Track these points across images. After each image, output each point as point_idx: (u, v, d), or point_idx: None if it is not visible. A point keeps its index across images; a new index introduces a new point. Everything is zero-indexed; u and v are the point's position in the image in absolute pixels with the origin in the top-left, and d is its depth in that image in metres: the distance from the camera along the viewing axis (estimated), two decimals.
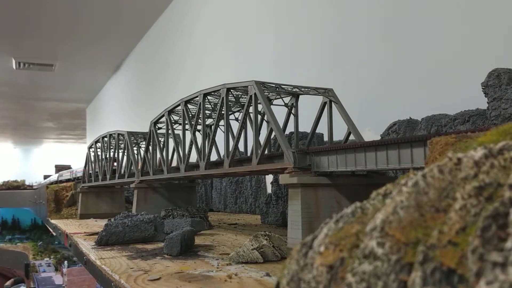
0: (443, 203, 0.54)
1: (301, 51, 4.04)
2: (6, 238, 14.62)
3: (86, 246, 2.34)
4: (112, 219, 2.53)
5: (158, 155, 3.37)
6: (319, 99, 2.44)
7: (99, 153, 4.53)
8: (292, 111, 2.53)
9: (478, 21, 2.42)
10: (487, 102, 1.87)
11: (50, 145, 23.77)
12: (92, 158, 4.75)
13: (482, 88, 1.91)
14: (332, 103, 2.37)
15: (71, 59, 9.93)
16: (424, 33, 2.77)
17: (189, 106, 2.93)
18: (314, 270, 0.57)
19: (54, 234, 4.47)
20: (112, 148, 4.17)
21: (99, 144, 4.54)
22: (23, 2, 7.06)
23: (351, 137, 2.33)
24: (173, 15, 7.28)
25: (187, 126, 2.95)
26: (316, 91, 2.37)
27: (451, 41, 2.58)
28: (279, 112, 2.32)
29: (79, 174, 5.32)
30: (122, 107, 10.65)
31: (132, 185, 3.60)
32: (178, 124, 3.22)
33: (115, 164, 3.99)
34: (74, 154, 21.00)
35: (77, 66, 10.54)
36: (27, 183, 13.23)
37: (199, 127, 2.99)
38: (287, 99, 2.54)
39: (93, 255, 2.02)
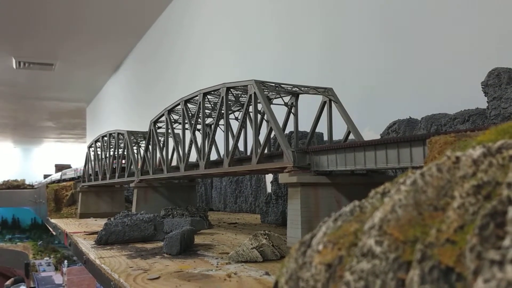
0: (442, 202, 0.54)
1: (301, 50, 4.04)
2: (6, 238, 14.63)
3: (86, 245, 2.34)
4: (112, 218, 2.53)
5: (158, 155, 3.37)
6: (318, 99, 2.44)
7: (99, 153, 4.53)
8: (292, 111, 2.53)
9: (478, 20, 2.42)
10: (487, 101, 1.87)
11: (50, 144, 23.78)
12: (92, 158, 4.75)
13: (482, 87, 1.91)
14: (332, 102, 2.37)
15: (71, 58, 9.93)
16: (424, 32, 2.77)
17: (189, 105, 2.93)
18: (312, 269, 0.57)
19: (54, 233, 4.47)
20: (112, 148, 4.17)
21: (99, 144, 4.54)
22: (23, 1, 7.06)
23: (351, 136, 2.33)
24: (173, 14, 7.28)
25: (187, 126, 2.95)
26: (316, 90, 2.37)
27: (451, 41, 2.58)
28: (279, 111, 2.32)
29: None
30: (122, 107, 10.65)
31: (132, 185, 3.60)
32: (178, 124, 3.22)
33: (124, 162, 3.92)
34: (74, 154, 21.00)
35: (77, 66, 10.54)
36: (27, 182, 13.23)
37: (199, 126, 2.99)
38: (286, 99, 2.53)
39: (93, 254, 2.02)
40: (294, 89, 2.37)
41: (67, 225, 3.83)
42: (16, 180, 12.99)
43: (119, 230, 2.38)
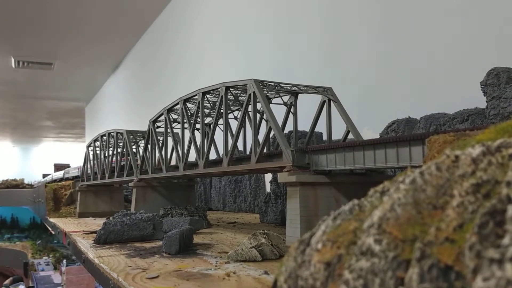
0: (441, 200, 0.54)
1: (300, 50, 4.04)
2: (5, 237, 14.61)
3: (85, 245, 2.34)
4: (111, 218, 2.53)
5: (157, 154, 3.37)
6: (318, 98, 2.44)
7: (98, 152, 4.53)
8: (291, 110, 2.53)
9: (478, 20, 2.42)
10: (486, 101, 1.87)
11: (49, 144, 23.76)
12: (91, 157, 4.75)
13: (481, 87, 1.91)
14: (331, 102, 2.37)
15: (70, 58, 9.92)
16: (423, 32, 2.77)
17: (188, 104, 2.93)
18: (311, 267, 0.57)
19: (53, 232, 4.47)
20: (111, 147, 4.17)
21: (98, 143, 4.54)
22: (23, 1, 7.05)
23: (350, 135, 2.33)
24: (172, 14, 7.28)
25: (186, 125, 2.95)
26: (315, 89, 2.37)
27: (450, 40, 2.58)
28: (278, 110, 2.32)
29: None
30: (121, 106, 10.65)
31: (131, 184, 3.60)
32: (177, 123, 3.22)
33: (125, 159, 3.84)
34: (73, 153, 20.99)
35: (76, 65, 10.54)
36: (26, 182, 13.22)
37: (198, 125, 2.98)
38: (286, 98, 2.53)
39: (92, 253, 2.02)
40: (293, 88, 2.37)
41: (66, 224, 3.82)
42: (15, 180, 12.98)
43: (118, 229, 2.38)
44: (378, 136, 2.52)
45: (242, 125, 2.48)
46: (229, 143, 2.44)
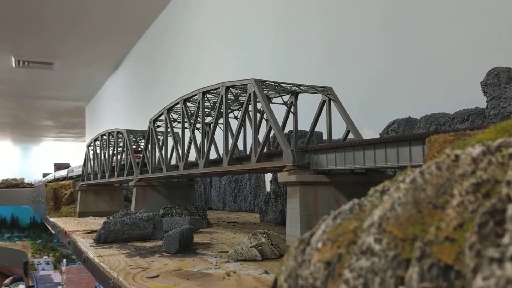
0: (441, 200, 0.54)
1: (300, 50, 4.04)
2: (5, 236, 14.62)
3: (85, 244, 2.34)
4: (111, 217, 2.53)
5: (157, 153, 3.37)
6: (318, 98, 2.44)
7: (98, 152, 4.53)
8: (291, 110, 2.53)
9: (478, 20, 2.42)
10: (486, 101, 1.88)
11: (49, 143, 23.77)
12: (91, 157, 4.75)
13: (481, 87, 1.91)
14: (331, 101, 2.37)
15: (71, 57, 9.92)
16: (423, 32, 2.77)
17: (188, 104, 2.93)
18: (311, 266, 0.57)
19: (53, 232, 4.47)
20: (111, 146, 4.17)
21: (98, 143, 4.54)
22: (23, 0, 7.05)
23: (350, 135, 2.33)
24: (173, 13, 7.28)
25: (186, 124, 2.95)
26: (315, 89, 2.37)
27: (451, 40, 2.58)
28: (278, 110, 2.32)
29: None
30: (121, 106, 10.65)
31: (131, 183, 3.60)
32: (177, 122, 3.22)
33: (136, 156, 3.63)
34: (73, 153, 21.00)
35: (77, 65, 10.54)
36: (26, 181, 13.23)
37: (198, 125, 2.98)
38: (286, 98, 2.53)
39: (92, 252, 2.02)
40: (293, 88, 2.37)
41: (66, 223, 3.82)
42: (15, 179, 12.98)
43: (118, 228, 2.38)
44: (378, 136, 2.52)
45: (242, 124, 2.48)
46: (229, 143, 2.44)
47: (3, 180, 12.82)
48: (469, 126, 1.94)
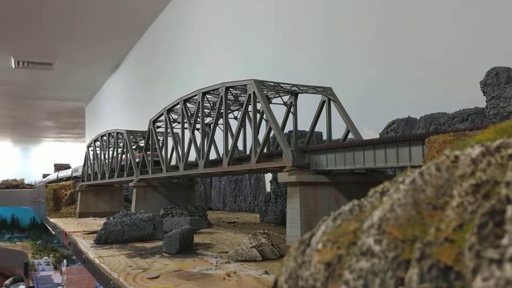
0: (440, 201, 0.54)
1: (300, 50, 4.04)
2: (5, 237, 14.62)
3: (85, 245, 2.34)
4: (111, 218, 2.53)
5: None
6: (318, 98, 2.44)
7: (98, 152, 4.53)
8: (291, 110, 2.53)
9: (477, 19, 2.42)
10: (486, 100, 1.88)
11: (49, 144, 23.77)
12: (91, 157, 4.75)
13: (481, 86, 1.91)
14: (331, 101, 2.37)
15: (70, 58, 9.92)
16: (423, 31, 2.77)
17: (188, 105, 2.93)
18: (311, 268, 0.57)
19: (53, 232, 4.47)
20: (111, 147, 4.17)
21: (98, 143, 4.54)
22: (23, 0, 7.05)
23: (350, 135, 2.33)
24: (172, 14, 7.28)
25: (186, 125, 2.95)
26: (315, 89, 2.37)
27: (450, 40, 2.58)
28: (278, 110, 2.32)
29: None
30: (121, 106, 10.64)
31: (131, 184, 3.60)
32: (177, 123, 3.22)
33: (152, 154, 3.43)
34: (73, 153, 20.99)
35: (76, 65, 10.53)
36: (26, 182, 13.23)
37: (198, 125, 2.98)
38: (286, 98, 2.54)
39: (92, 253, 2.03)
40: (293, 88, 2.37)
41: (66, 224, 3.82)
42: (15, 180, 12.99)
43: (119, 229, 2.38)
44: (378, 136, 2.52)
45: (242, 125, 2.48)
46: (229, 143, 2.44)
47: (3, 181, 12.82)
48: (468, 126, 1.94)
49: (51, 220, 4.62)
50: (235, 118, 3.01)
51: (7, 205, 13.40)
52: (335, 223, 0.62)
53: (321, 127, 2.52)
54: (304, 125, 2.77)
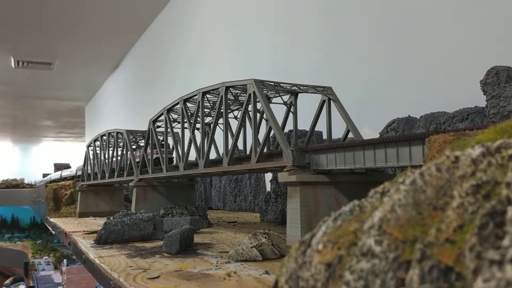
0: (441, 201, 0.54)
1: (300, 49, 4.04)
2: (5, 237, 14.62)
3: (85, 245, 2.34)
4: (111, 218, 2.53)
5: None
6: (318, 97, 2.44)
7: (98, 152, 4.53)
8: (291, 109, 2.53)
9: (477, 19, 2.42)
10: (486, 100, 1.88)
11: (49, 143, 23.76)
12: (91, 157, 4.75)
13: (481, 86, 1.91)
14: (331, 101, 2.37)
15: (70, 57, 9.91)
16: (423, 31, 2.77)
17: (188, 104, 2.93)
18: (312, 268, 0.57)
19: (53, 232, 4.47)
20: (111, 147, 4.17)
21: (98, 143, 4.54)
22: (23, 0, 7.04)
23: (350, 135, 2.33)
24: (172, 13, 7.27)
25: (186, 125, 2.95)
26: (315, 89, 2.37)
27: (450, 39, 2.58)
28: (278, 110, 2.32)
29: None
30: (121, 106, 10.64)
31: (131, 184, 3.60)
32: (177, 123, 3.22)
33: (155, 152, 3.35)
34: (73, 153, 20.99)
35: (76, 65, 10.53)
36: (26, 181, 13.23)
37: (198, 125, 2.99)
38: (286, 97, 2.54)
39: (92, 253, 2.03)
40: (293, 88, 2.37)
41: (66, 224, 3.83)
42: (15, 179, 12.99)
43: (119, 229, 2.38)
44: (378, 135, 2.52)
45: (242, 124, 2.48)
46: (229, 143, 2.44)
47: (3, 180, 12.82)
48: (468, 125, 1.94)
49: (51, 220, 4.62)
50: (235, 117, 3.01)
51: (7, 205, 13.40)
52: (335, 223, 0.62)
53: (321, 126, 2.52)
54: (304, 124, 2.77)
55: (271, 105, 2.28)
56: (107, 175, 4.19)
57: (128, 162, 3.73)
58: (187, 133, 2.89)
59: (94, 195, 4.70)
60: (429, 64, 2.72)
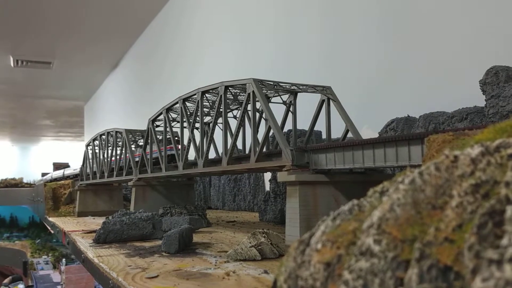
0: (440, 201, 0.54)
1: (299, 49, 4.04)
2: (4, 236, 14.60)
3: (84, 244, 2.34)
4: (110, 217, 2.53)
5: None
6: (317, 97, 2.44)
7: (97, 151, 4.53)
8: (290, 109, 2.53)
9: (476, 18, 2.42)
10: (485, 99, 1.88)
11: (48, 143, 23.74)
12: (90, 156, 4.74)
13: (480, 85, 1.91)
14: (330, 100, 2.37)
15: (69, 56, 9.91)
16: (422, 31, 2.77)
17: (187, 104, 2.93)
18: (311, 267, 0.57)
19: (52, 232, 4.47)
20: (110, 146, 4.16)
21: (97, 142, 4.53)
22: (22, 0, 7.04)
23: (349, 134, 2.33)
24: (171, 13, 7.27)
25: (185, 124, 2.95)
26: (314, 88, 2.37)
27: (449, 39, 2.58)
28: (277, 110, 2.32)
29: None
30: (120, 105, 10.64)
31: (130, 183, 3.59)
32: (176, 122, 3.22)
33: (178, 147, 3.08)
34: (72, 152, 20.97)
35: (75, 64, 10.52)
36: (25, 181, 13.21)
37: (197, 124, 2.98)
38: (285, 97, 2.53)
39: (91, 253, 2.02)
40: (292, 87, 2.37)
41: (65, 223, 3.82)
42: (14, 179, 12.97)
43: (118, 228, 2.38)
44: (377, 135, 2.52)
45: (241, 124, 2.48)
46: (228, 142, 2.44)
47: (2, 179, 12.80)
48: (468, 125, 1.94)
49: (50, 219, 4.62)
50: (235, 117, 3.01)
51: (6, 204, 13.38)
52: (334, 223, 0.62)
53: (320, 126, 2.52)
54: (303, 124, 2.77)
55: (270, 104, 2.28)
56: (106, 174, 4.19)
57: (127, 161, 3.73)
58: (186, 133, 2.89)
59: (93, 194, 4.69)
60: (429, 64, 2.72)
